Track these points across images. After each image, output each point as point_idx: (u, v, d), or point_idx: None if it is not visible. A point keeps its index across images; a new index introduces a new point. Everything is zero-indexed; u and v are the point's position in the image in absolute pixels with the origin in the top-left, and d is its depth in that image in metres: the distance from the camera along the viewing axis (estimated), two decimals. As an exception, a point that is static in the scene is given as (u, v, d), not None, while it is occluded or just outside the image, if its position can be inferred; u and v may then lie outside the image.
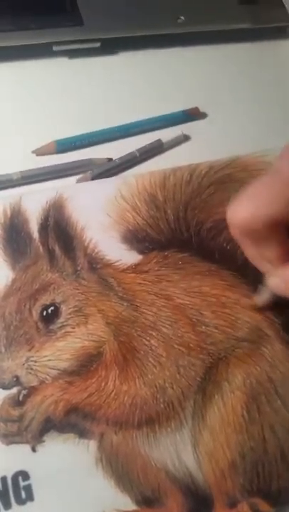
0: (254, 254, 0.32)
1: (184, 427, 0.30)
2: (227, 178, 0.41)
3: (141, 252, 0.37)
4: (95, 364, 0.32)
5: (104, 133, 0.43)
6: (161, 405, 0.31)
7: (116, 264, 0.36)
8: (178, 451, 0.30)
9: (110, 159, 0.42)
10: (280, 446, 0.31)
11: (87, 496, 0.28)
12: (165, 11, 0.49)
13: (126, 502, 0.28)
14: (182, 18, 0.49)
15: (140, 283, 0.35)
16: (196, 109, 0.46)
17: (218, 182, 0.41)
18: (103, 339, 0.32)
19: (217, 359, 0.33)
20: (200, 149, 0.44)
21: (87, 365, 0.32)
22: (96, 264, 0.35)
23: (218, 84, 0.50)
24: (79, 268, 0.35)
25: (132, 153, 0.42)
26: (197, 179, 0.40)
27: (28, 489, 0.28)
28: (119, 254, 0.36)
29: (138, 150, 0.42)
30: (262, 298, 0.34)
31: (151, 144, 0.43)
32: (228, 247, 0.38)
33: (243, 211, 0.30)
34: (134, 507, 0.28)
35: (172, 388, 0.31)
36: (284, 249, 0.30)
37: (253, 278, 0.36)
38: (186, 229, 0.38)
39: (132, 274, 0.36)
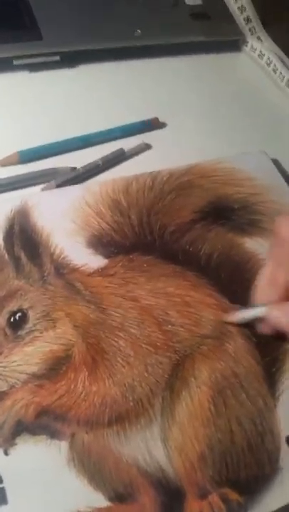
0: (270, 273, 0.33)
1: (154, 423, 0.31)
2: (187, 184, 0.43)
3: (106, 256, 0.38)
4: (64, 367, 0.32)
5: (67, 143, 0.44)
6: (131, 403, 0.31)
7: (82, 268, 0.36)
8: (148, 447, 0.30)
9: (74, 168, 0.42)
10: (246, 437, 0.32)
11: (60, 495, 0.28)
12: (122, 24, 0.51)
13: (99, 499, 0.28)
14: (139, 31, 0.51)
15: (107, 286, 0.36)
16: (156, 119, 0.48)
17: (179, 188, 0.42)
18: (71, 342, 0.33)
19: (183, 356, 0.34)
20: (161, 157, 0.46)
21: (56, 368, 0.32)
22: (62, 270, 0.36)
23: (176, 94, 0.52)
24: (45, 274, 0.35)
25: (95, 162, 0.43)
26: (159, 185, 0.42)
27: (2, 492, 0.28)
28: (85, 258, 0.37)
29: (101, 159, 0.43)
30: (240, 318, 0.35)
31: (113, 152, 0.44)
32: (191, 249, 0.39)
33: None
34: (107, 504, 0.28)
35: (141, 386, 0.32)
36: None
37: (215, 278, 0.38)
38: (150, 233, 0.39)
39: (99, 278, 0.36)
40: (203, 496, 0.30)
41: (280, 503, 0.30)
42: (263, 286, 0.33)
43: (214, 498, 0.30)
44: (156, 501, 0.29)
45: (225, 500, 0.29)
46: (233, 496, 0.30)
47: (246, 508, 0.29)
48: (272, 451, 0.32)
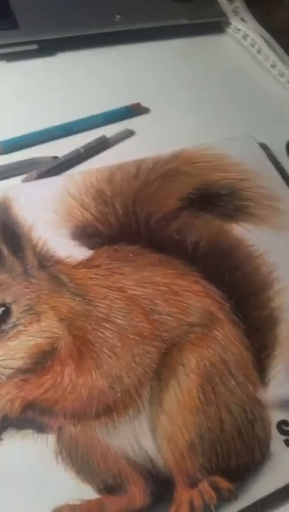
0: None
1: (142, 413, 0.31)
2: (172, 171, 0.42)
3: (91, 247, 0.37)
4: (49, 360, 0.32)
5: (49, 132, 0.43)
6: (119, 394, 0.31)
7: (67, 260, 0.36)
8: (137, 438, 0.30)
9: (56, 157, 0.42)
10: (236, 424, 0.31)
11: (49, 489, 0.28)
12: (101, 10, 0.50)
13: (88, 491, 0.28)
14: (118, 16, 0.50)
15: (92, 277, 0.35)
16: (138, 104, 0.47)
17: (164, 175, 0.42)
18: (57, 335, 0.32)
19: (171, 345, 0.33)
20: (145, 144, 0.45)
21: (41, 362, 0.32)
22: (46, 262, 0.35)
23: (158, 79, 0.51)
24: (28, 267, 0.35)
25: (77, 151, 0.42)
26: (144, 173, 0.41)
27: (-11, 488, 0.28)
28: (70, 250, 0.36)
29: (83, 147, 0.43)
30: (276, 397, 0.33)
31: (95, 140, 0.44)
32: (177, 237, 0.39)
33: None
34: (96, 496, 0.28)
35: (128, 377, 0.32)
36: None
37: (202, 265, 0.38)
38: (135, 222, 0.39)
39: (84, 270, 0.36)
40: (193, 484, 0.29)
41: (271, 489, 0.30)
42: None
43: (204, 486, 0.29)
44: (146, 491, 0.29)
45: (215, 488, 0.29)
46: (224, 483, 0.30)
47: (237, 495, 0.29)
48: (263, 437, 0.32)
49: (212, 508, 0.29)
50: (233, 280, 0.38)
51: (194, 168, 0.43)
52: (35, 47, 0.47)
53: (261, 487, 0.30)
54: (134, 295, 0.35)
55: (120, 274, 0.36)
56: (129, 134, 0.45)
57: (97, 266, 0.36)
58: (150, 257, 0.37)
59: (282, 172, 0.46)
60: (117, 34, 0.50)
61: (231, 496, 0.29)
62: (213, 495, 0.29)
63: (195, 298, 0.36)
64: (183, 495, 0.29)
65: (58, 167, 0.41)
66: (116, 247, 0.37)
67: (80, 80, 0.48)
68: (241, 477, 0.30)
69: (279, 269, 0.38)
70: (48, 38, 0.47)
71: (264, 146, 0.46)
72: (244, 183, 0.43)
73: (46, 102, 0.46)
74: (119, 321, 0.34)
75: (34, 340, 0.32)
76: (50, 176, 0.41)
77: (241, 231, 0.40)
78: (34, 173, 0.40)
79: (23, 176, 0.40)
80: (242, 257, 0.39)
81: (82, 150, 0.42)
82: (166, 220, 0.39)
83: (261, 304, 0.37)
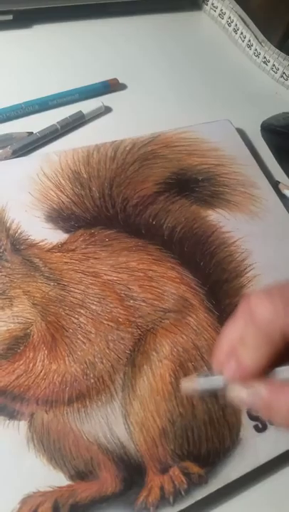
0: (232, 347, 0.24)
1: (115, 399, 0.31)
2: (150, 155, 0.41)
3: (67, 230, 0.36)
4: (22, 346, 0.31)
5: (23, 106, 0.42)
6: (92, 380, 0.31)
7: (41, 244, 0.35)
8: (109, 424, 0.30)
9: (31, 133, 0.40)
10: (207, 410, 0.32)
11: (20, 476, 0.28)
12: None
13: (59, 478, 0.28)
14: (96, -12, 0.48)
15: (67, 262, 0.35)
16: (116, 80, 0.46)
17: (142, 158, 0.41)
18: (30, 320, 0.32)
19: (145, 331, 0.33)
20: (122, 120, 0.44)
21: (14, 347, 0.31)
22: (20, 246, 0.34)
23: (135, 55, 0.50)
24: (1, 250, 0.34)
25: (53, 126, 0.41)
26: (121, 156, 0.40)
27: None
28: (44, 233, 0.35)
29: (59, 122, 0.41)
30: (192, 388, 0.26)
31: (72, 115, 0.42)
32: (154, 222, 0.38)
33: None
34: (67, 482, 0.28)
35: (102, 363, 0.32)
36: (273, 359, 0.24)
37: (178, 251, 0.37)
38: (112, 206, 0.38)
39: (59, 254, 0.35)
40: (164, 470, 0.30)
41: (240, 473, 0.30)
42: (223, 356, 0.25)
43: (175, 471, 0.30)
44: (118, 477, 0.29)
45: (186, 473, 0.30)
46: (194, 469, 0.30)
47: (207, 479, 0.30)
48: (233, 423, 0.32)
49: (182, 492, 0.29)
50: (208, 267, 0.38)
51: (172, 152, 0.42)
52: (10, 17, 0.45)
53: (231, 471, 0.30)
54: (109, 280, 0.35)
55: (95, 258, 0.36)
56: (106, 110, 0.44)
57: (72, 250, 0.36)
58: (126, 242, 0.37)
59: (257, 157, 0.46)
60: (95, 7, 0.48)
61: (201, 481, 0.30)
62: (184, 480, 0.29)
63: (170, 284, 0.35)
64: (154, 480, 0.29)
65: (33, 143, 0.40)
66: (92, 231, 0.37)
67: (56, 54, 0.46)
68: (212, 462, 0.30)
69: (252, 256, 0.38)
70: (23, 8, 0.45)
71: (240, 131, 0.46)
72: (221, 168, 0.43)
73: (20, 75, 0.44)
74: (93, 307, 0.33)
75: (6, 326, 0.31)
76: (25, 152, 0.39)
77: (217, 217, 0.40)
78: (9, 149, 0.39)
79: (-3, 153, 0.39)
80: (217, 243, 0.39)
81: (59, 126, 0.41)
82: (143, 204, 0.39)
83: (234, 291, 0.37)
